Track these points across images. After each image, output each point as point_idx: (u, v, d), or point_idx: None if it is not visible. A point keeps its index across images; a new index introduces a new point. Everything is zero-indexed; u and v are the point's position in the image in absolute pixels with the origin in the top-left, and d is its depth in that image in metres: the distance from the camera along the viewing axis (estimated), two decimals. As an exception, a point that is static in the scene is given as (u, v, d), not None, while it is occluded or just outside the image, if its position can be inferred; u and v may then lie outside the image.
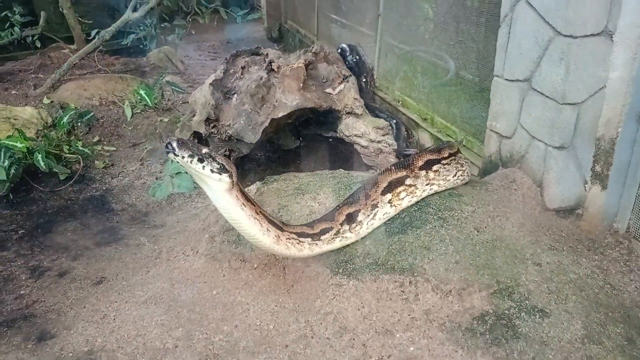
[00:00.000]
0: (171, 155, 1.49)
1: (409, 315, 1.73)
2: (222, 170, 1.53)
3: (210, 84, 2.51)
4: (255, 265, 2.01)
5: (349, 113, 2.46)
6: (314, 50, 3.12)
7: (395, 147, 2.49)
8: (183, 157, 1.47)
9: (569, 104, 1.98)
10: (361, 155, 2.49)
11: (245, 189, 2.32)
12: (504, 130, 2.33)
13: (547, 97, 2.05)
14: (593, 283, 1.81)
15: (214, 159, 1.51)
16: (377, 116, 3.47)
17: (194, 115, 2.63)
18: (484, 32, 2.53)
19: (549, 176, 2.13)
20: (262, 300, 1.89)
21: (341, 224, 1.85)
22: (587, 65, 1.94)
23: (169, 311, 1.90)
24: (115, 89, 3.97)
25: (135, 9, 3.76)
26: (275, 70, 2.39)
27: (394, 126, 3.41)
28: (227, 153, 2.54)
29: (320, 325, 1.76)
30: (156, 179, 3.14)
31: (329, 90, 2.58)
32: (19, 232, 2.66)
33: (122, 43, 4.45)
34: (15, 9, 4.15)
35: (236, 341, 1.75)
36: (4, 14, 4.17)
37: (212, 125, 2.54)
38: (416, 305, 1.75)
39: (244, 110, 2.39)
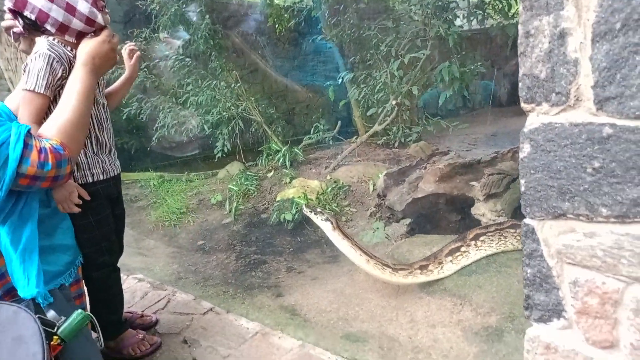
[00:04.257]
0: (304, 211, 3.11)
1: (449, 319, 2.84)
2: (327, 219, 3.04)
3: (384, 175, 4.08)
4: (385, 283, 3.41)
5: (477, 199, 3.59)
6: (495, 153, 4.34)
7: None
8: (307, 212, 3.09)
9: None
10: (485, 229, 3.56)
11: (399, 241, 3.76)
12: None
13: None
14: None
15: (322, 214, 3.05)
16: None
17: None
18: None
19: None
20: (380, 298, 3.26)
21: (415, 269, 3.08)
22: None
23: (336, 296, 3.46)
24: (369, 172, 5.88)
25: (379, 124, 5.74)
26: (427, 168, 3.77)
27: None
28: (391, 215, 4.01)
29: (401, 315, 3.03)
30: (370, 230, 4.81)
31: (474, 182, 3.75)
32: (289, 249, 4.70)
33: (377, 143, 6.51)
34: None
35: (357, 315, 3.17)
36: (314, 125, 6.77)
37: (380, 198, 4.08)
38: (456, 315, 2.84)
39: (402, 191, 3.84)
